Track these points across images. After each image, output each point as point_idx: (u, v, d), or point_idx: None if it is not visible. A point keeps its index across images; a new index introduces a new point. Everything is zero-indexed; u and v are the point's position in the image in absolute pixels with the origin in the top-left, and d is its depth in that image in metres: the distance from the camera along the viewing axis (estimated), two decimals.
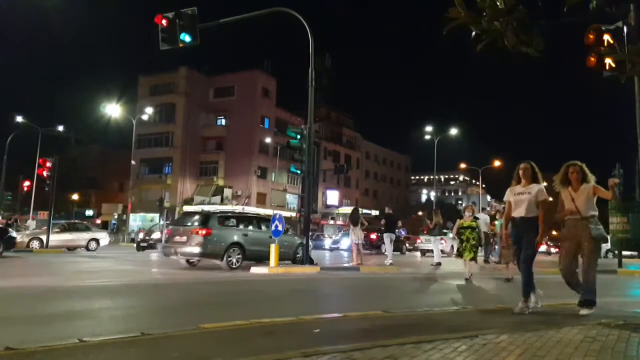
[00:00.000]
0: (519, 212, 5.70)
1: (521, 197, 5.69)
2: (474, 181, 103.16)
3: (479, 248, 10.99)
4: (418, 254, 28.75)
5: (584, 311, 5.37)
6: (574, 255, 5.50)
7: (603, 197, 5.51)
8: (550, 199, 5.76)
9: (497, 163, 52.97)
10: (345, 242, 31.65)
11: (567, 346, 3.77)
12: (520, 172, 5.79)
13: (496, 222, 15.89)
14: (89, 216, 48.46)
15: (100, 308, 6.36)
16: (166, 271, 12.00)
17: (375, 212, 54.64)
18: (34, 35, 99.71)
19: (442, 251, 18.73)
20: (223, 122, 54.48)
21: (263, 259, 12.91)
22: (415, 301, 7.07)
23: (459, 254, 11.01)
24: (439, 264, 15.57)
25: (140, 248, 23.80)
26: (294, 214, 49.23)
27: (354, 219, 15.33)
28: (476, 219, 11.19)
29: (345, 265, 15.66)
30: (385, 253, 17.01)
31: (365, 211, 44.99)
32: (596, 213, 5.47)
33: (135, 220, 50.40)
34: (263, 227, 13.69)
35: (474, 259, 10.86)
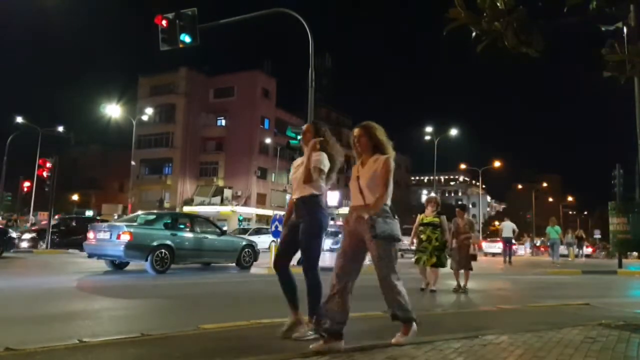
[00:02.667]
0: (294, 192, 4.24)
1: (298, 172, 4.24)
2: (474, 182, 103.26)
3: (445, 251, 8.45)
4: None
5: (399, 339, 3.69)
6: (352, 258, 3.75)
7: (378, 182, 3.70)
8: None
9: (497, 164, 53.00)
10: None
11: (568, 347, 3.77)
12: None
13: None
14: (89, 217, 48.44)
15: (100, 308, 6.36)
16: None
17: None
18: (34, 35, 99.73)
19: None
20: (223, 122, 54.49)
21: None
22: (415, 302, 7.05)
23: (417, 260, 8.49)
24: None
25: None
26: None
27: None
28: (440, 214, 8.60)
29: None
30: None
31: None
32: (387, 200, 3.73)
33: None
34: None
35: (438, 264, 8.28)
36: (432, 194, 10.45)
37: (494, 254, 31.92)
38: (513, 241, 21.11)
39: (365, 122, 3.91)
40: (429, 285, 8.41)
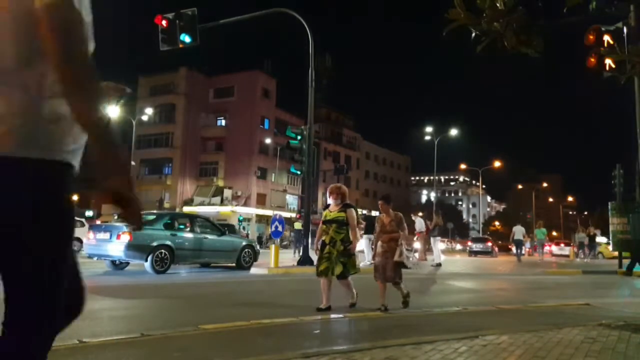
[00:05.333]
0: None
1: None
2: (474, 182, 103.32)
3: (352, 256, 6.35)
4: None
5: None
6: None
7: None
8: None
9: (497, 164, 53.04)
10: None
11: (568, 347, 3.77)
12: None
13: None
14: (89, 217, 48.44)
15: (100, 308, 6.36)
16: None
17: (375, 213, 54.71)
18: None
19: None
20: (223, 122, 54.51)
21: None
22: (415, 302, 7.05)
23: (321, 272, 6.21)
24: (439, 264, 15.60)
25: None
26: (294, 215, 49.28)
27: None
28: (347, 207, 6.49)
29: None
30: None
31: (363, 212, 45.02)
32: None
33: None
34: None
35: (345, 274, 6.26)
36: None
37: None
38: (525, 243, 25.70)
39: None
40: (352, 303, 6.31)
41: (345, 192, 6.65)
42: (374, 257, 6.63)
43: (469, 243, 37.32)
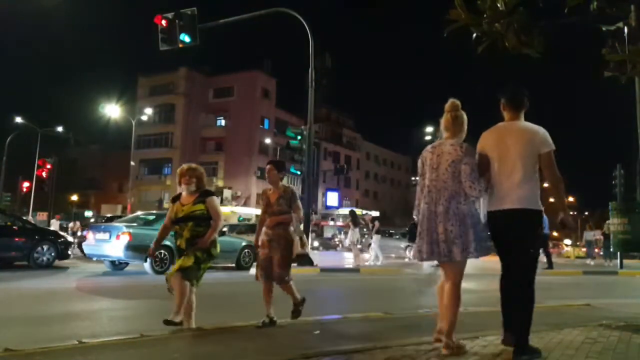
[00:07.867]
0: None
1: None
2: None
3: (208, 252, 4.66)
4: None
5: None
6: None
7: None
8: None
9: None
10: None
11: (568, 347, 3.76)
12: None
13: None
14: (88, 217, 48.38)
15: (100, 309, 6.36)
16: None
17: (375, 213, 54.72)
18: (34, 35, 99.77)
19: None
20: (222, 122, 54.50)
21: None
22: (416, 302, 7.06)
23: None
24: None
25: None
26: None
27: (355, 220, 15.47)
28: (206, 195, 4.76)
29: (345, 266, 15.66)
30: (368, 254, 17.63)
31: (364, 212, 45.07)
32: None
33: None
34: None
35: (188, 275, 4.49)
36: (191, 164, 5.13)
37: None
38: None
39: None
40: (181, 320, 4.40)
41: (202, 174, 4.84)
42: (256, 247, 4.89)
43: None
